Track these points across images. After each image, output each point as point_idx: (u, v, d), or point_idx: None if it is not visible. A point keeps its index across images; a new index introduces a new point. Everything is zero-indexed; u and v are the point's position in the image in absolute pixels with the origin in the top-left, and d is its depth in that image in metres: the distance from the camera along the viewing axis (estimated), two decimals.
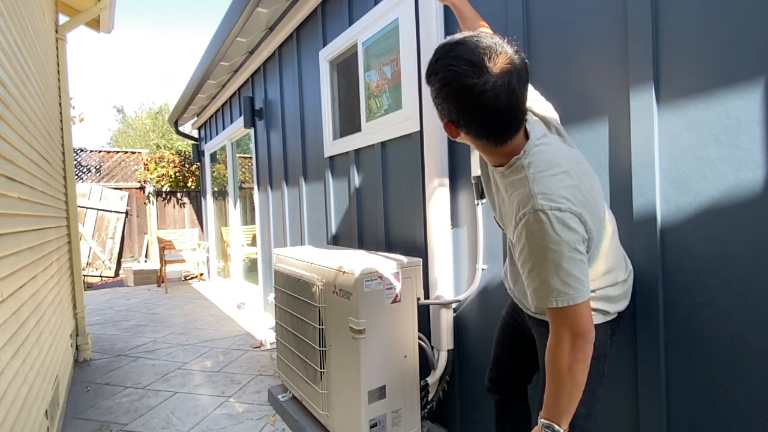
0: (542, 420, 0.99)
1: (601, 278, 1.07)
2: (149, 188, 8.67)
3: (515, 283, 1.23)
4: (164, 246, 6.97)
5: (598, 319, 1.07)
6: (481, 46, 0.88)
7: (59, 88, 3.33)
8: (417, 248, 2.17)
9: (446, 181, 1.95)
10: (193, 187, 8.96)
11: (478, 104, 0.88)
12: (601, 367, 1.08)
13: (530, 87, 1.02)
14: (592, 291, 1.03)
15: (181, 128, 6.93)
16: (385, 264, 1.82)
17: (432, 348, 2.05)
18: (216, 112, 5.90)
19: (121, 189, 8.43)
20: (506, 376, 1.41)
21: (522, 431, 1.43)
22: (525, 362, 1.36)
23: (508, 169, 1.00)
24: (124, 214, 8.28)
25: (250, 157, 4.72)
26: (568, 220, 0.88)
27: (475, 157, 1.74)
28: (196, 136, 7.32)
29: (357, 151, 2.64)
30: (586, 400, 1.00)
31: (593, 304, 1.03)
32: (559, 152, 1.00)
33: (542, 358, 1.10)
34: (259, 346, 3.59)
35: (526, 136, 1.00)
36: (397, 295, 1.84)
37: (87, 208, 7.75)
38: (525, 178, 0.94)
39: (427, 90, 2.00)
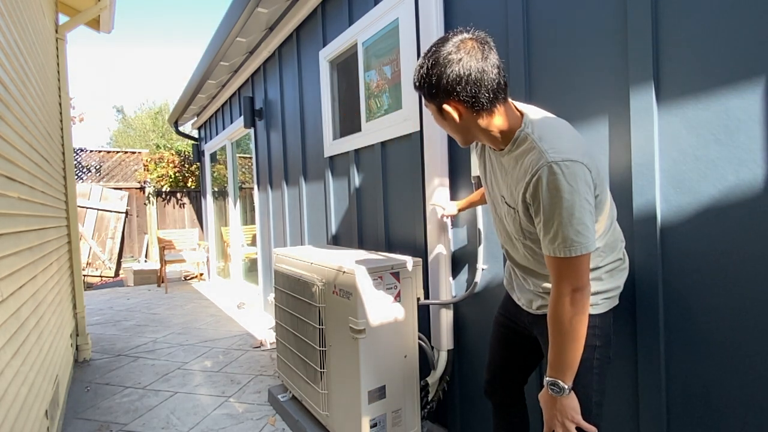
0: (547, 378, 1.03)
1: (603, 247, 1.10)
2: (149, 188, 8.67)
3: (525, 279, 1.22)
4: (164, 246, 6.97)
5: (605, 306, 1.12)
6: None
7: (59, 88, 3.33)
8: (417, 248, 2.17)
9: (446, 180, 1.95)
10: (193, 187, 8.95)
11: None
12: (609, 353, 1.13)
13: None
14: (599, 267, 1.09)
15: (181, 128, 6.93)
16: (385, 264, 1.82)
17: (432, 348, 2.05)
18: (216, 112, 5.90)
19: (121, 189, 8.43)
20: (502, 377, 1.41)
21: (520, 431, 1.43)
22: (520, 362, 1.38)
23: (514, 144, 1.05)
24: (124, 214, 8.28)
25: (250, 157, 4.72)
26: (577, 170, 0.93)
27: (475, 156, 1.75)
28: (196, 136, 7.32)
29: (357, 151, 2.64)
30: (597, 389, 1.08)
31: (601, 286, 1.10)
32: (553, 117, 1.09)
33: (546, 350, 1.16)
34: (259, 346, 3.59)
35: (520, 114, 1.07)
36: (397, 295, 1.84)
37: (87, 208, 7.75)
38: (532, 142, 1.00)
39: None
